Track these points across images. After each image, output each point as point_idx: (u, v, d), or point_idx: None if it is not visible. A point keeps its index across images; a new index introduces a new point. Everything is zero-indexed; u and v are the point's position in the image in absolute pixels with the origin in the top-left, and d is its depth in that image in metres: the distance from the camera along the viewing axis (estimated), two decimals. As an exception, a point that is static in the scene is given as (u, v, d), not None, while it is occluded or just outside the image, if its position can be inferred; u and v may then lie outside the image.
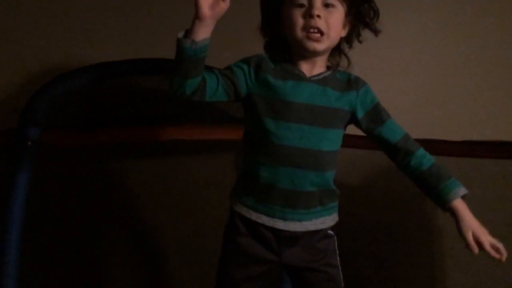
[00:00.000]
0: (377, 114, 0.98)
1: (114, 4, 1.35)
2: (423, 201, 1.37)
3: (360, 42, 0.99)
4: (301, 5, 0.91)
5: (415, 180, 0.97)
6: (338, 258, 1.01)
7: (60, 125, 1.24)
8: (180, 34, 0.84)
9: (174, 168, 1.45)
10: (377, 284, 1.47)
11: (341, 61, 1.00)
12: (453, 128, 1.41)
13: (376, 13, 0.96)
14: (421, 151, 0.97)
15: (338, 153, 0.98)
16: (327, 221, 0.98)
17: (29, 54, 1.30)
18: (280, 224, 0.94)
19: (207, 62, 0.87)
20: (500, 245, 0.88)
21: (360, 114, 0.97)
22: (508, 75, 1.37)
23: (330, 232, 1.00)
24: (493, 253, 0.88)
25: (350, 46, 1.00)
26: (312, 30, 0.90)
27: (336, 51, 1.00)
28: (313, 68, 0.96)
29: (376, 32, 0.97)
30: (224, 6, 0.82)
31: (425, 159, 0.96)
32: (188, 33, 0.83)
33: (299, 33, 0.91)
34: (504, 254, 0.88)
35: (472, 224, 0.90)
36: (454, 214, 0.92)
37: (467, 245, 0.89)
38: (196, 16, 0.82)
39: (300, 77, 0.95)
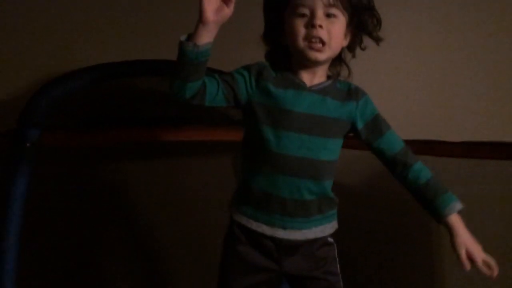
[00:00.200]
0: (376, 126, 0.98)
1: (113, 5, 1.35)
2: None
3: (362, 49, 0.99)
4: (303, 15, 0.91)
5: (412, 193, 0.97)
6: (338, 266, 1.01)
7: (60, 126, 1.23)
8: (183, 37, 0.84)
9: (173, 169, 1.45)
10: (377, 284, 1.47)
11: (341, 70, 1.00)
12: (452, 129, 1.42)
13: (379, 22, 0.96)
14: (419, 165, 0.97)
15: (337, 162, 0.98)
16: (326, 229, 0.98)
17: (28, 55, 1.30)
18: (280, 233, 0.94)
19: (209, 65, 0.87)
20: (492, 262, 0.90)
21: (359, 125, 0.97)
22: (507, 75, 1.38)
23: (330, 240, 1.00)
24: (484, 270, 0.90)
25: (353, 56, 1.00)
26: (314, 40, 0.90)
27: (337, 60, 1.00)
28: (314, 77, 0.96)
29: (378, 40, 0.97)
30: (228, 11, 0.83)
31: (423, 173, 0.96)
32: (191, 36, 0.83)
33: (301, 43, 0.91)
34: (496, 270, 0.90)
35: (466, 241, 0.91)
36: (449, 229, 0.93)
37: (460, 261, 0.91)
38: (200, 20, 0.82)
39: (301, 87, 0.95)
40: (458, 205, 0.93)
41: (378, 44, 0.98)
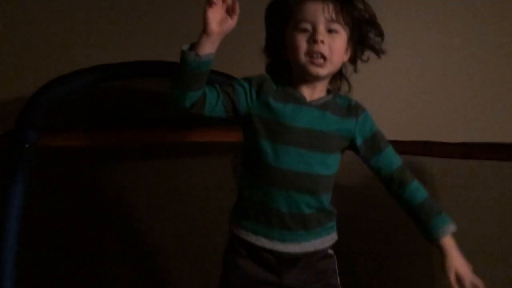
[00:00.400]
0: (375, 142, 0.98)
1: (113, 6, 1.35)
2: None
3: (364, 61, 0.99)
4: (305, 30, 0.91)
5: (406, 211, 0.98)
6: (338, 278, 1.01)
7: (58, 128, 1.23)
8: (185, 47, 0.84)
9: (172, 170, 1.45)
10: (377, 284, 1.47)
11: (342, 85, 1.00)
12: (451, 130, 1.42)
13: (381, 36, 0.96)
14: (415, 184, 0.97)
15: (335, 176, 0.99)
16: (326, 241, 0.98)
17: (27, 56, 1.30)
18: (279, 246, 0.94)
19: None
20: (480, 284, 0.90)
21: (358, 141, 0.97)
22: (505, 77, 1.38)
23: (330, 252, 1.00)
24: None
25: (355, 70, 1.00)
26: (315, 56, 0.90)
27: (338, 75, 1.00)
28: (314, 92, 0.96)
29: (380, 53, 0.98)
30: (231, 23, 0.83)
31: (419, 192, 0.96)
32: (194, 46, 0.84)
33: (303, 58, 0.91)
34: None
35: (456, 263, 0.92)
36: (441, 251, 0.94)
37: (449, 283, 0.92)
38: (204, 31, 0.82)
39: (301, 101, 0.95)
40: (452, 228, 0.94)
41: (379, 57, 0.98)
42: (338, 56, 0.93)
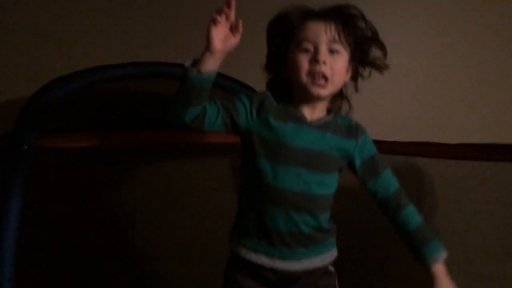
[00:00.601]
0: (373, 165, 0.99)
1: (112, 7, 1.35)
2: (421, 205, 1.38)
3: (365, 78, 1.00)
4: (307, 50, 0.91)
5: (399, 235, 0.99)
6: None
7: (58, 129, 1.23)
8: (188, 63, 0.84)
9: (172, 171, 1.45)
10: (377, 284, 1.48)
11: (342, 104, 1.00)
12: (446, 131, 1.43)
13: (384, 52, 0.97)
14: (410, 208, 0.98)
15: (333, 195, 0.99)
16: (326, 258, 0.99)
17: (26, 57, 1.30)
18: (279, 264, 0.94)
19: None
20: None
21: (357, 163, 0.98)
22: (503, 79, 1.39)
23: (330, 268, 1.01)
24: None
25: (356, 89, 1.00)
26: (317, 76, 0.90)
27: (338, 95, 1.00)
28: (314, 111, 0.96)
29: (383, 69, 0.98)
30: (234, 41, 0.84)
31: (413, 218, 0.98)
32: (196, 62, 0.83)
33: (304, 78, 0.91)
34: None
35: None
36: (432, 276, 0.96)
37: None
38: (207, 48, 0.82)
39: (301, 121, 0.95)
40: (443, 255, 0.96)
41: (382, 74, 0.98)
42: (340, 76, 0.93)
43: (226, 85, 1.28)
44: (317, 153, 0.94)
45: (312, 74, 0.91)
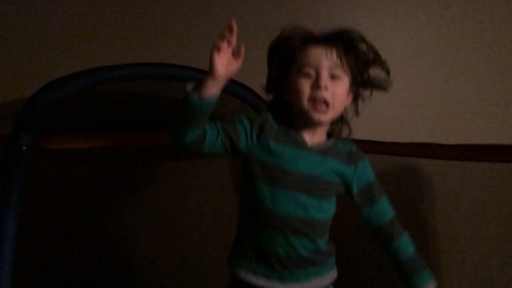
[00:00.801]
0: (370, 192, 0.99)
1: (111, 8, 1.34)
2: (419, 204, 1.38)
3: (364, 100, 0.99)
4: (308, 75, 0.91)
5: (391, 262, 1.00)
6: None
7: (56, 130, 1.23)
8: (189, 86, 0.84)
9: (171, 172, 1.45)
10: (377, 284, 1.48)
11: (343, 129, 1.01)
12: (447, 132, 1.43)
13: (387, 72, 0.97)
14: (403, 238, 0.99)
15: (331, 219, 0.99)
16: (325, 279, 0.99)
17: (25, 58, 1.30)
18: (279, 286, 0.94)
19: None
20: None
21: (354, 190, 0.98)
22: (502, 80, 1.39)
23: None
24: None
25: (357, 113, 1.00)
26: (318, 102, 0.90)
27: (339, 119, 1.00)
28: (314, 136, 0.96)
29: (388, 87, 0.99)
30: (236, 66, 0.84)
31: (406, 248, 0.99)
32: (198, 86, 0.83)
33: (305, 103, 0.91)
34: None
35: None
36: None
37: None
38: (210, 74, 0.82)
39: (301, 146, 0.95)
40: (433, 285, 0.98)
41: (387, 91, 0.98)
42: (340, 101, 0.93)
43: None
44: (316, 178, 0.94)
45: (313, 99, 0.90)
